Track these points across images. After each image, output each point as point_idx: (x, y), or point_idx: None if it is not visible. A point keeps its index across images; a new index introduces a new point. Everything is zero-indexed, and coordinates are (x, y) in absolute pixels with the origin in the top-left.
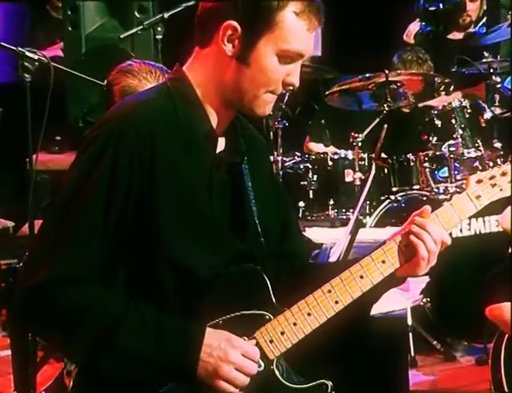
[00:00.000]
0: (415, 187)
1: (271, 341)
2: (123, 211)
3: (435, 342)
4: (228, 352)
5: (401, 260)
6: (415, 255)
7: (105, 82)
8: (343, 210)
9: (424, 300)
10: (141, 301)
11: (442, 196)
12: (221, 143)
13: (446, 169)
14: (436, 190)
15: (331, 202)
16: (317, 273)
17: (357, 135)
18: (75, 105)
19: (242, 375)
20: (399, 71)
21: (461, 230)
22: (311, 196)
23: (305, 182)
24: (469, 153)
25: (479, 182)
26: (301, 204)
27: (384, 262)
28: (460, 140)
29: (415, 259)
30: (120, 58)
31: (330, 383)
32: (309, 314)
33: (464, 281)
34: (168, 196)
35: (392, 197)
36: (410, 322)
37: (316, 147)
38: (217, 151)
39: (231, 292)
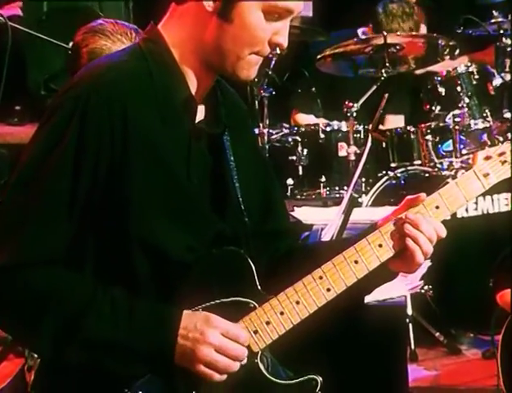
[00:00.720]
0: (415, 162)
1: (256, 332)
2: (91, 188)
3: (438, 334)
4: (206, 332)
5: (399, 246)
6: (410, 255)
7: (71, 44)
8: (336, 188)
9: (426, 287)
10: (111, 286)
11: (445, 173)
12: (200, 112)
13: (450, 142)
14: (439, 165)
15: (323, 179)
16: (307, 257)
17: (351, 104)
18: (36, 70)
19: (225, 358)
20: (399, 33)
21: (467, 210)
22: (300, 173)
23: (294, 158)
24: (476, 124)
25: (488, 158)
26: (289, 181)
27: (381, 246)
28: (466, 110)
29: (409, 257)
30: (87, 18)
31: (319, 379)
32: (298, 303)
33: (471, 265)
34: (142, 170)
35: (391, 174)
36: (410, 311)
37: (306, 119)
38: (196, 121)
39: (212, 277)
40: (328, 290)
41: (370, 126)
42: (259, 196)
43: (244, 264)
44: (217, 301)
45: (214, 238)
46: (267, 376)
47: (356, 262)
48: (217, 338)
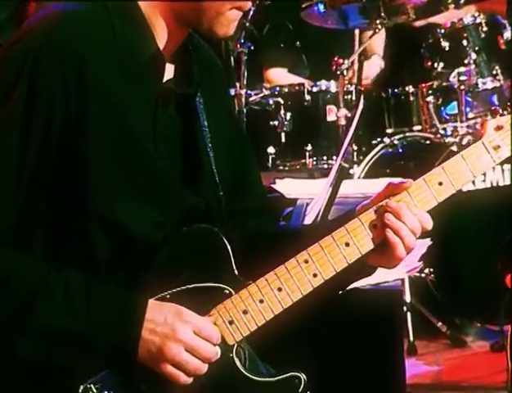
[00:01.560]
0: (415, 127)
1: (231, 322)
2: (41, 156)
3: (440, 324)
4: (177, 328)
5: (379, 237)
6: (390, 248)
7: None
8: (324, 158)
9: (426, 270)
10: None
11: (449, 139)
12: (169, 70)
13: (455, 104)
14: (442, 131)
15: (309, 148)
16: (290, 238)
17: (341, 61)
18: None
19: (195, 359)
20: None
21: (474, 182)
22: (283, 140)
23: (276, 123)
24: (484, 84)
25: (499, 128)
26: (270, 150)
27: (375, 227)
28: (472, 67)
29: (389, 250)
30: None
31: (303, 377)
32: (280, 290)
33: (478, 245)
34: (101, 137)
35: (387, 141)
36: (407, 298)
37: (281, 77)
38: (165, 80)
39: (182, 259)
40: (314, 275)
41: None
42: (232, 168)
43: (219, 244)
44: (188, 287)
45: (185, 214)
46: (244, 372)
47: (347, 244)
48: (189, 336)
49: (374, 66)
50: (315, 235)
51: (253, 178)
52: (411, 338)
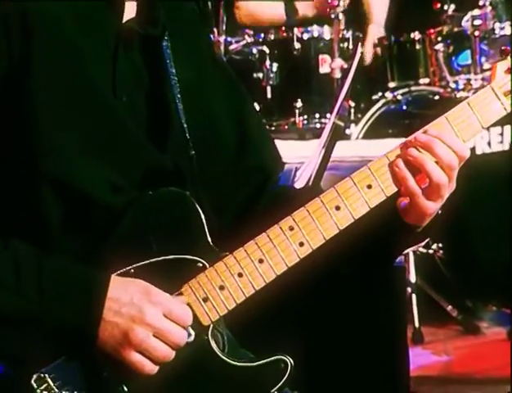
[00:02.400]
0: (422, 80)
1: (206, 300)
2: None
3: (450, 307)
4: (145, 310)
5: (397, 185)
6: (425, 178)
7: None
8: (316, 116)
9: (434, 245)
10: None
11: (461, 94)
12: (130, 9)
13: (468, 52)
14: (453, 85)
15: (298, 104)
16: (275, 203)
17: (336, 2)
18: None
19: (164, 345)
20: None
21: (489, 143)
22: (269, 96)
23: (260, 75)
24: (502, 29)
25: (510, 71)
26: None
27: (370, 187)
28: (488, 9)
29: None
30: None
31: (289, 360)
32: (261, 261)
33: (494, 217)
34: (50, 84)
35: (389, 96)
36: (413, 277)
37: (268, 9)
38: (125, 20)
39: (148, 228)
40: (301, 244)
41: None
42: (226, 122)
43: (191, 210)
44: (155, 260)
45: (150, 175)
46: (222, 356)
47: (337, 208)
48: (159, 319)
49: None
50: (305, 198)
51: (255, 128)
52: (417, 324)
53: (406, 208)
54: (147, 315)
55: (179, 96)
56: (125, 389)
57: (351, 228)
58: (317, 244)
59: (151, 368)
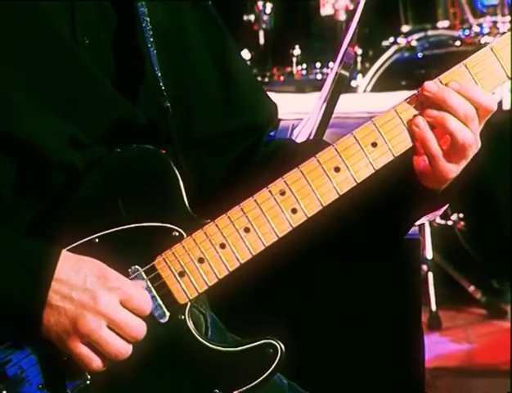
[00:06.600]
0: (440, 24)
1: (183, 274)
2: None
3: (472, 288)
4: (99, 296)
5: (407, 143)
6: (446, 138)
7: None
8: (317, 65)
9: (454, 216)
10: None
11: (486, 39)
12: None
13: None
14: (477, 28)
15: (296, 51)
16: (270, 162)
17: None
18: None
19: (118, 339)
20: None
21: None
22: (261, 41)
23: (252, 17)
24: None
25: None
26: (245, 54)
27: (375, 145)
28: None
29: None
30: None
31: (279, 345)
32: (247, 230)
33: None
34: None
35: (403, 42)
36: (429, 253)
37: None
38: None
39: (115, 191)
40: (294, 211)
41: None
42: (213, 74)
43: (166, 170)
44: (124, 227)
45: (118, 129)
46: (199, 339)
47: (337, 169)
48: (114, 308)
49: None
50: (301, 157)
51: (244, 85)
52: (433, 308)
53: (423, 170)
54: (101, 302)
55: (151, 39)
56: (88, 376)
57: (354, 192)
58: (313, 211)
59: (98, 365)
